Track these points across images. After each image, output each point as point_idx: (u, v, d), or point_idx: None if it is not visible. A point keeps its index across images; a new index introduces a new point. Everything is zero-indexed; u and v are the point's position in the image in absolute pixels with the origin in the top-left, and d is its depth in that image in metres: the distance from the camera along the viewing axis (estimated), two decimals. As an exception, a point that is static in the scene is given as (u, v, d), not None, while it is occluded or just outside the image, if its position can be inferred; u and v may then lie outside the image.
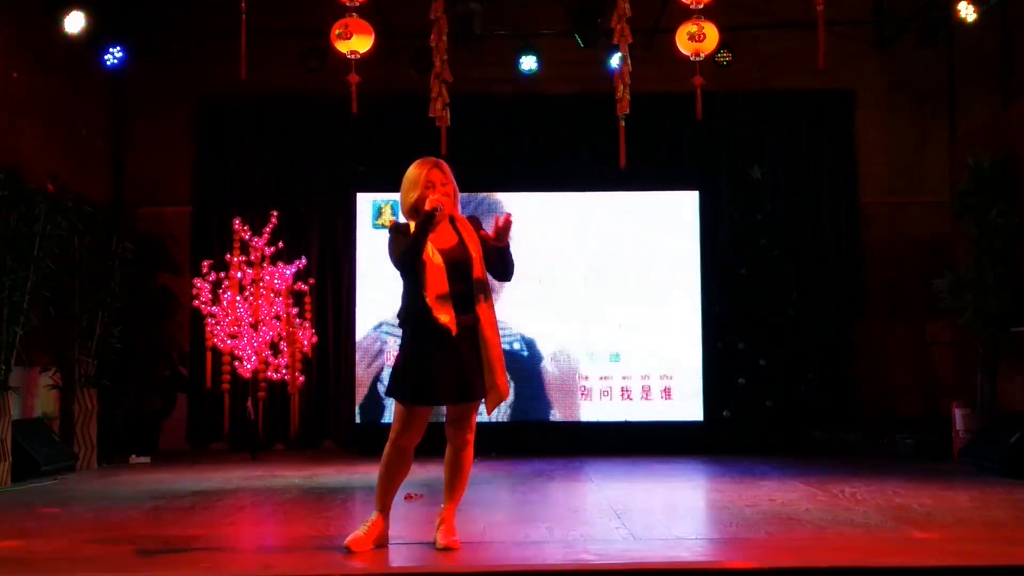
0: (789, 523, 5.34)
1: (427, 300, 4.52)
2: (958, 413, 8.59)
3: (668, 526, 5.37)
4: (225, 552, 4.78)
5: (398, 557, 4.66)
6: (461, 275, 4.58)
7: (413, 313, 4.59)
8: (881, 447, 9.50)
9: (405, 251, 4.55)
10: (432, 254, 4.56)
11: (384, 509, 4.77)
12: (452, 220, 4.70)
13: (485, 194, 9.87)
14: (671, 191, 9.96)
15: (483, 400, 4.65)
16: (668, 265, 9.78)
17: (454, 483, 4.80)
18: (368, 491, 7.04)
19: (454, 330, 4.51)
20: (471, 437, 4.74)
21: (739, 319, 9.83)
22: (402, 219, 4.77)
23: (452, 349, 4.53)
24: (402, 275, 4.67)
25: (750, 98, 10.79)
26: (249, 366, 9.53)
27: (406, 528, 5.36)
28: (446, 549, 4.66)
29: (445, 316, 4.51)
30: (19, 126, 8.91)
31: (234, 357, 9.58)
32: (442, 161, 4.71)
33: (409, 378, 4.57)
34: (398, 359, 4.69)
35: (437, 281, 4.53)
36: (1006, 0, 9.59)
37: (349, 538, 4.69)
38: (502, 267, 4.71)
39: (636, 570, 4.22)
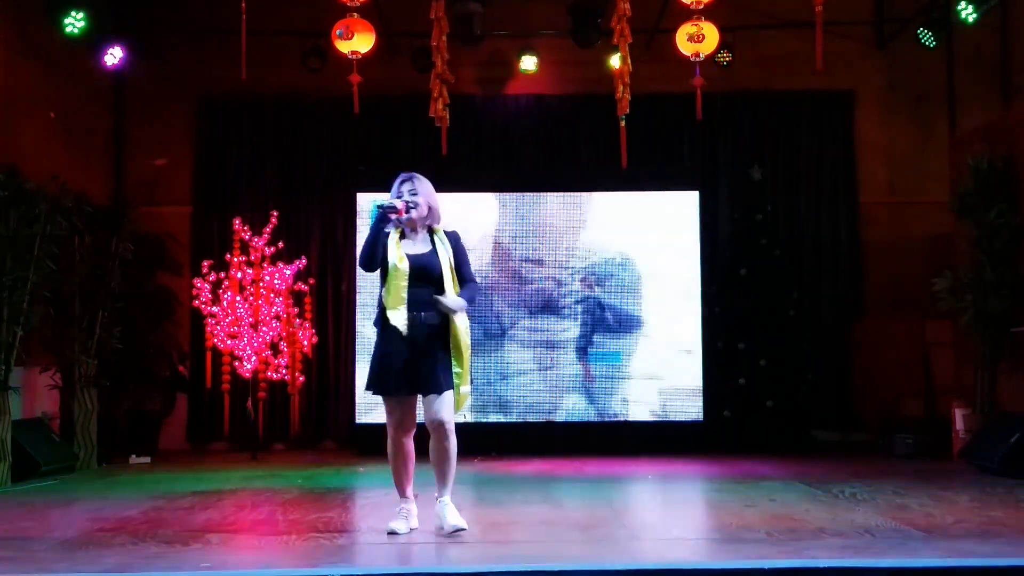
0: (789, 523, 5.34)
1: (386, 301, 4.98)
2: (958, 413, 8.58)
3: (668, 526, 5.37)
4: (225, 552, 4.77)
5: (398, 557, 4.66)
6: (426, 281, 4.99)
7: (379, 312, 5.05)
8: (881, 447, 9.50)
9: (364, 246, 5.08)
10: (400, 259, 4.99)
11: (403, 495, 5.17)
12: (431, 231, 5.15)
13: (485, 194, 9.87)
14: (671, 191, 9.95)
15: (443, 393, 4.98)
16: (668, 265, 9.77)
17: (441, 470, 5.10)
18: (368, 490, 7.06)
19: (404, 330, 4.92)
20: (446, 427, 5.01)
21: (739, 319, 9.82)
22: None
23: (407, 345, 4.95)
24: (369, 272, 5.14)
25: (750, 98, 10.79)
26: (249, 366, 9.53)
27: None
28: (457, 530, 4.98)
29: (398, 316, 4.94)
30: (19, 126, 8.91)
31: (234, 357, 9.58)
32: (416, 175, 5.26)
33: (372, 370, 5.07)
34: (373, 354, 5.13)
35: (398, 284, 4.96)
36: (1006, 0, 9.59)
37: (390, 524, 5.05)
38: (468, 300, 5.13)
39: (636, 570, 4.22)
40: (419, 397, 5.08)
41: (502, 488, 7.17)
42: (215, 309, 9.58)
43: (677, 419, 9.66)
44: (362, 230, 9.76)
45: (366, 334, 9.69)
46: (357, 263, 5.10)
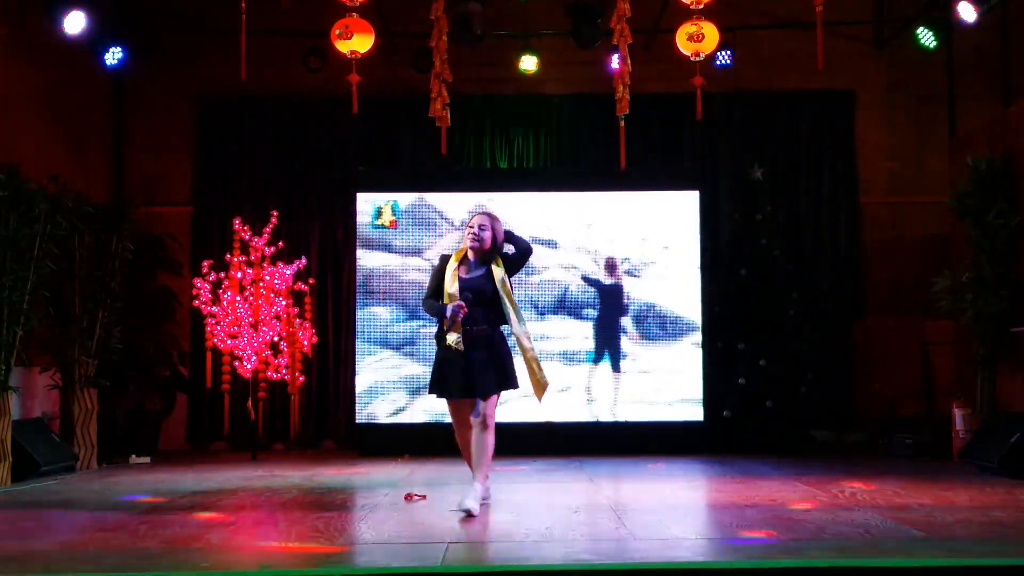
0: (789, 523, 5.34)
1: (442, 321, 5.87)
2: (958, 413, 8.59)
3: (668, 526, 5.36)
4: (225, 552, 4.77)
5: (399, 557, 4.66)
6: (478, 301, 5.81)
7: (438, 327, 5.94)
8: (881, 447, 9.50)
9: (429, 310, 6.04)
10: (450, 284, 5.85)
11: (475, 476, 5.90)
12: (489, 256, 5.93)
13: (485, 194, 9.86)
14: (671, 191, 9.94)
15: (491, 395, 5.86)
16: (668, 265, 9.78)
17: (478, 459, 5.90)
18: (367, 490, 7.06)
19: (460, 347, 5.77)
20: (488, 423, 5.85)
21: (739, 319, 9.83)
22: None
23: (460, 357, 5.80)
24: None
25: (750, 98, 10.80)
26: (249, 366, 9.53)
27: (406, 528, 5.37)
28: (467, 512, 5.60)
29: (453, 335, 5.79)
30: (19, 126, 8.91)
31: (234, 357, 9.58)
32: (490, 213, 6.08)
33: (434, 377, 6.00)
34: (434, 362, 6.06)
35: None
36: (1006, 0, 9.59)
37: (463, 504, 5.66)
38: (519, 259, 6.01)
39: (636, 570, 4.22)
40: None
41: (502, 488, 7.16)
42: (215, 309, 9.58)
43: (677, 419, 9.66)
44: (362, 230, 9.79)
45: (366, 334, 9.72)
46: (420, 306, 6.34)
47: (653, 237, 9.80)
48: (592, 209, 9.85)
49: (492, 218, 6.02)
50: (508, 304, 5.88)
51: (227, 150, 10.86)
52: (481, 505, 5.79)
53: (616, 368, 9.71)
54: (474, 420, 5.87)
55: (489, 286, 5.88)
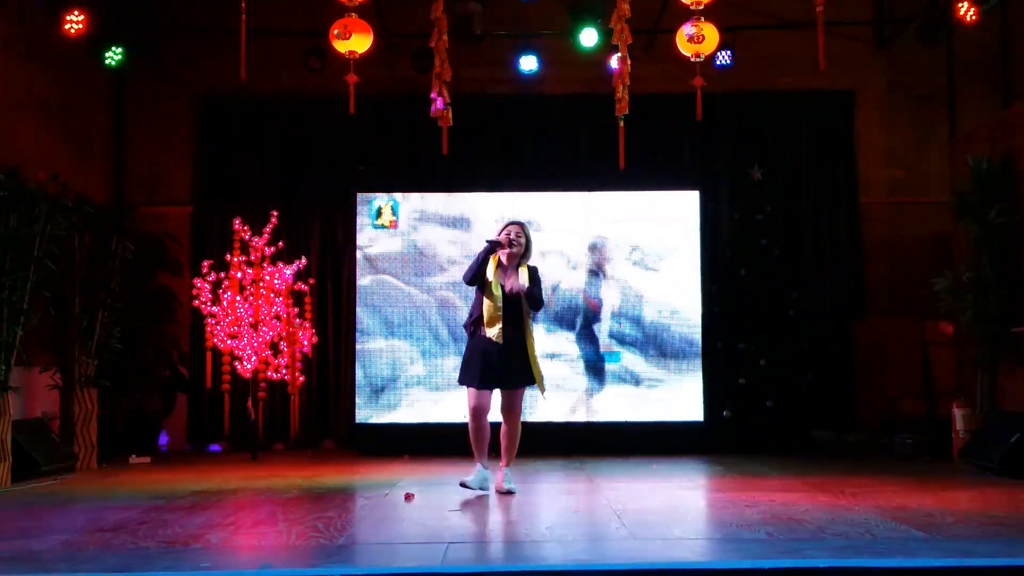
0: (789, 523, 5.34)
1: (483, 315, 6.49)
2: (958, 413, 8.59)
3: (668, 526, 5.36)
4: (225, 552, 4.77)
5: (400, 557, 4.66)
6: (516, 304, 6.49)
7: (474, 322, 6.57)
8: (881, 447, 9.50)
9: (470, 268, 6.58)
10: (495, 285, 6.48)
11: (479, 460, 6.56)
12: (519, 267, 6.59)
13: (484, 194, 9.87)
14: (671, 191, 9.94)
15: (519, 389, 6.57)
16: (668, 265, 9.77)
17: (507, 447, 6.63)
18: (367, 490, 7.06)
19: (499, 340, 6.42)
20: (516, 413, 6.61)
21: (739, 319, 9.83)
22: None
23: (495, 352, 6.43)
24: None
25: (750, 98, 10.79)
26: (249, 366, 9.52)
27: (406, 528, 5.36)
28: (508, 492, 6.52)
29: (492, 330, 6.46)
30: (19, 126, 8.91)
31: (234, 357, 9.58)
32: (523, 222, 6.78)
33: (465, 368, 6.58)
34: (464, 354, 6.66)
35: (493, 304, 6.46)
36: (1006, 0, 9.59)
37: (464, 479, 6.46)
38: (530, 303, 6.58)
39: (636, 570, 4.22)
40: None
41: (502, 488, 7.16)
42: (215, 309, 9.57)
43: (677, 419, 9.66)
44: (362, 230, 9.80)
45: (366, 334, 9.71)
46: (462, 278, 6.69)
47: (652, 237, 9.79)
48: (591, 208, 9.85)
49: (523, 226, 6.71)
50: (526, 310, 6.58)
51: (227, 150, 10.85)
52: (508, 494, 6.52)
53: (601, 381, 9.71)
54: (504, 414, 6.57)
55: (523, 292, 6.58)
